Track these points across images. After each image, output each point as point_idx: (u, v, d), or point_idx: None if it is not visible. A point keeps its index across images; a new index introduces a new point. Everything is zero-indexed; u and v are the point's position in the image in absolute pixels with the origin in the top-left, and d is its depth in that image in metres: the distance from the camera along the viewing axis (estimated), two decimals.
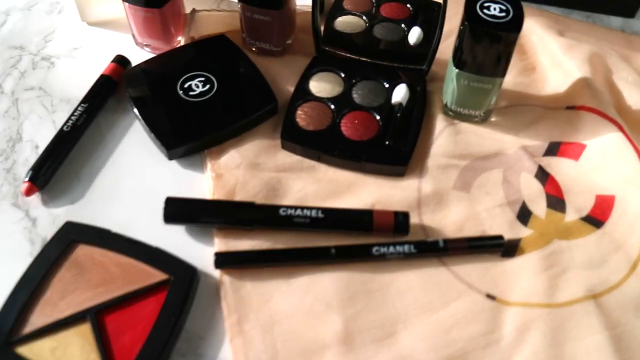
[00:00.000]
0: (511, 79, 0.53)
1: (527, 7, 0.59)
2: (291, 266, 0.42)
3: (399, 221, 0.43)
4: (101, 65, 0.53)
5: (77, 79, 0.53)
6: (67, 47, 0.56)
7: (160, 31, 0.53)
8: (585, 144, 0.48)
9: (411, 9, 0.57)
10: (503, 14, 0.44)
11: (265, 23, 0.51)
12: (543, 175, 0.47)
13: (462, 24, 0.45)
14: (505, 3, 0.45)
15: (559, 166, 0.48)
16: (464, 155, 0.48)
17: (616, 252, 0.44)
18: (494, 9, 0.45)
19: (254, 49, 0.54)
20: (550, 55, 0.54)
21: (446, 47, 0.49)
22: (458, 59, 0.46)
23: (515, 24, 0.44)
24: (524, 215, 0.46)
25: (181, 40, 0.55)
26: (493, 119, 0.51)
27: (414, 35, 0.54)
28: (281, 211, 0.43)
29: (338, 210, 0.44)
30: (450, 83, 0.48)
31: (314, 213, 0.43)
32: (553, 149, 0.49)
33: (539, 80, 0.54)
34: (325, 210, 0.43)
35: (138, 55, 0.54)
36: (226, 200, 0.45)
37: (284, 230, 0.44)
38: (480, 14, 0.44)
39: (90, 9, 0.57)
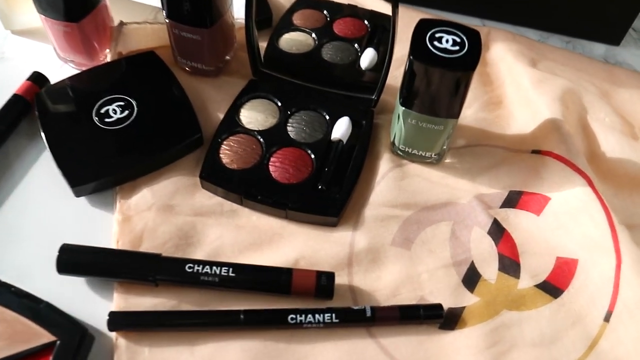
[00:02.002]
0: (472, 114, 0.47)
1: (500, 30, 0.53)
2: (195, 331, 0.37)
3: (322, 284, 0.38)
4: (21, 80, 0.48)
5: None
6: None
7: (82, 46, 0.47)
8: (550, 196, 0.42)
9: (369, 26, 0.50)
10: (456, 48, 0.38)
11: (195, 42, 0.45)
12: (498, 231, 0.41)
13: (408, 57, 0.39)
14: (461, 34, 0.39)
15: (517, 221, 0.42)
16: (408, 204, 0.42)
17: (573, 327, 0.38)
18: (447, 40, 0.38)
19: (186, 69, 0.48)
20: (518, 89, 0.48)
21: (401, 73, 0.43)
22: (404, 97, 0.40)
23: (469, 61, 0.38)
24: (471, 279, 0.40)
25: (108, 56, 0.49)
26: (448, 160, 0.45)
27: (367, 58, 0.48)
28: (187, 267, 0.38)
29: (252, 268, 0.38)
30: (397, 120, 0.42)
31: (224, 271, 0.38)
32: (513, 200, 0.43)
33: (504, 117, 0.47)
34: (237, 268, 0.38)
35: (61, 71, 0.49)
36: (128, 251, 0.40)
37: (192, 287, 0.39)
38: (429, 46, 0.38)
39: (15, 16, 0.52)
